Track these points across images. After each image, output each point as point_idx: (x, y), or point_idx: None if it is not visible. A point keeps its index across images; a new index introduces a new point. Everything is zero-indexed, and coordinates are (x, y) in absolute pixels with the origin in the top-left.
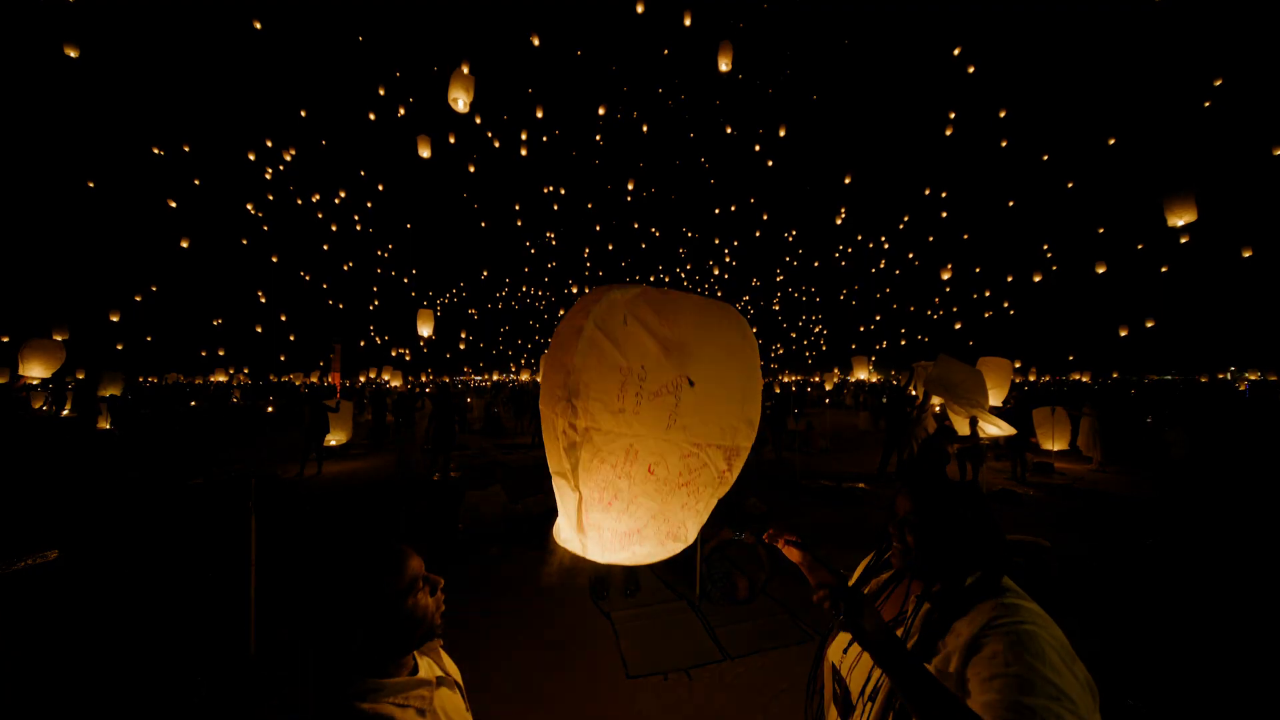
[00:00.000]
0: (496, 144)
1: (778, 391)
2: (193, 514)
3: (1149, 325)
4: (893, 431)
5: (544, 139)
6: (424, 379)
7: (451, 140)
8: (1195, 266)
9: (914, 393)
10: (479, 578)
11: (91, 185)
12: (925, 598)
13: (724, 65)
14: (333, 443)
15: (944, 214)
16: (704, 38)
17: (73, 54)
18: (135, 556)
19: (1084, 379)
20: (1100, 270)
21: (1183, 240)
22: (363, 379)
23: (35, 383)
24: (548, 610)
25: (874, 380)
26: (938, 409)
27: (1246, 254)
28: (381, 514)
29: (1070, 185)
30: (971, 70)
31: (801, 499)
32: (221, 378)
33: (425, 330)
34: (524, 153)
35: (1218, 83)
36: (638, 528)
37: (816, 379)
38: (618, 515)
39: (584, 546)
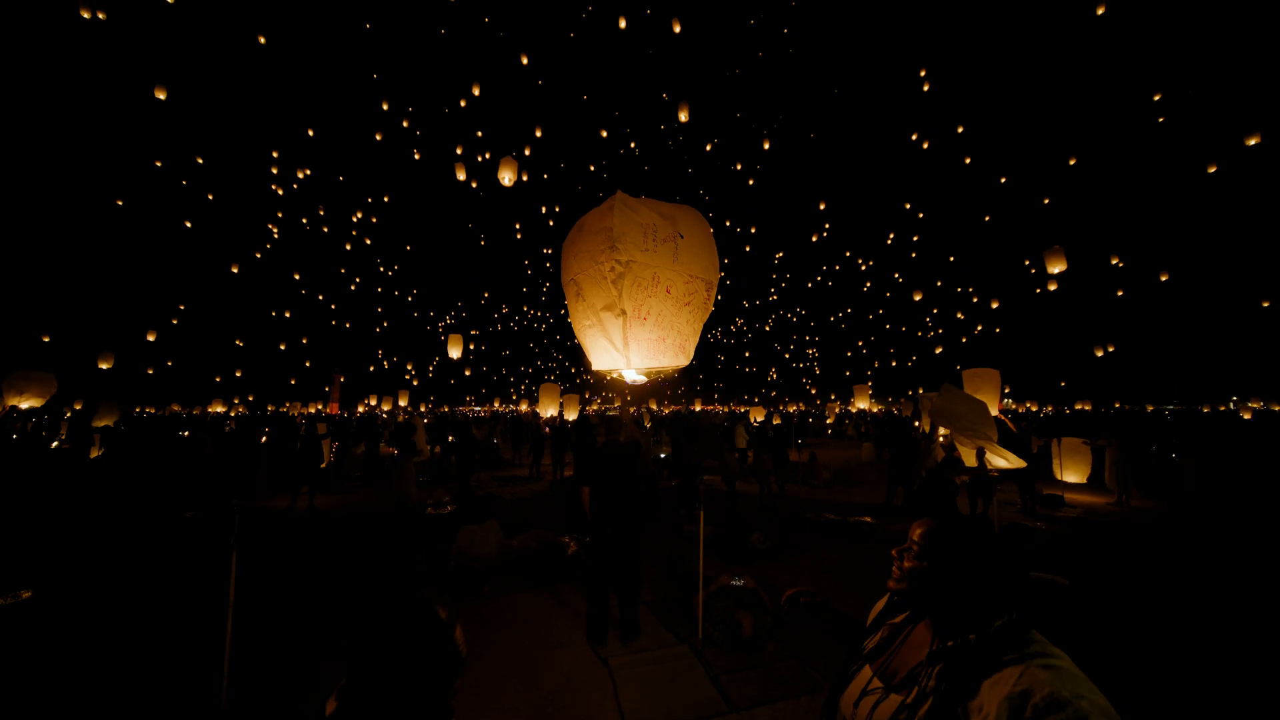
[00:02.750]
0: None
1: (778, 422)
2: (179, 549)
3: (1110, 349)
4: (897, 463)
5: (545, 176)
6: (423, 408)
7: (458, 148)
8: (1197, 296)
9: (918, 424)
10: (470, 618)
11: (96, 205)
12: (942, 655)
13: (683, 117)
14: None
15: (938, 239)
16: (704, 81)
17: (162, 95)
18: (114, 596)
19: (1085, 408)
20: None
21: (1053, 285)
22: (361, 408)
23: (27, 407)
24: (542, 655)
25: (875, 410)
26: (943, 439)
27: (1164, 277)
28: (372, 550)
29: (1048, 202)
30: (940, 89)
31: (807, 534)
32: (220, 408)
33: (455, 353)
34: (525, 177)
35: (1155, 97)
36: (662, 336)
37: (817, 402)
38: (650, 327)
39: (628, 359)
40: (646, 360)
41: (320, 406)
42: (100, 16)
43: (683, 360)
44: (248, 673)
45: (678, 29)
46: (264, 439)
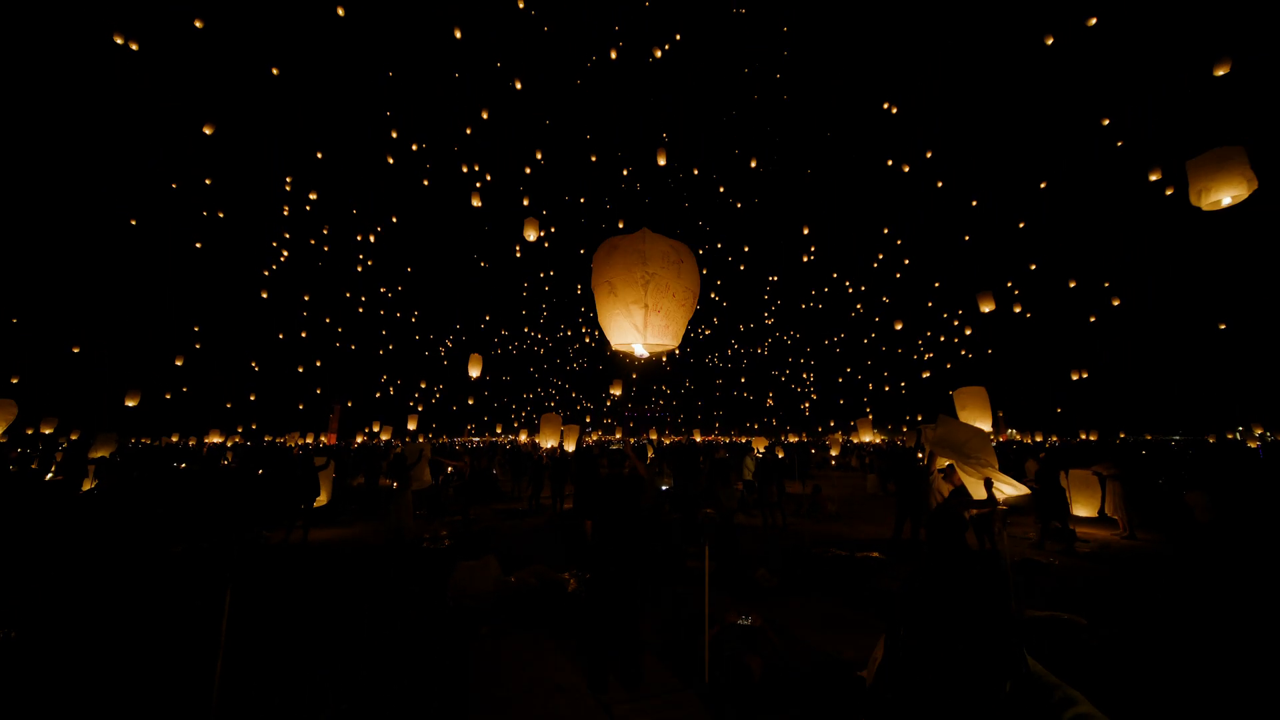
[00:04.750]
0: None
1: (781, 455)
2: (170, 586)
3: (1084, 375)
4: (904, 496)
5: (544, 212)
6: (421, 439)
7: (463, 167)
8: (1200, 323)
9: (921, 455)
10: (466, 661)
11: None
12: None
13: (660, 161)
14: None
15: (933, 266)
16: (702, 124)
17: (208, 131)
18: (101, 636)
19: (1092, 438)
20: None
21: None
22: (360, 438)
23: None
24: (542, 703)
25: (878, 441)
26: (941, 471)
27: (1115, 303)
28: (365, 586)
29: (1053, 229)
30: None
31: (813, 570)
32: (217, 438)
33: (474, 372)
34: (526, 202)
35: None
36: (667, 324)
37: (819, 429)
38: (661, 318)
39: (644, 338)
40: (655, 339)
41: (316, 438)
42: (133, 47)
43: (674, 342)
44: (236, 713)
45: (658, 54)
46: (260, 471)
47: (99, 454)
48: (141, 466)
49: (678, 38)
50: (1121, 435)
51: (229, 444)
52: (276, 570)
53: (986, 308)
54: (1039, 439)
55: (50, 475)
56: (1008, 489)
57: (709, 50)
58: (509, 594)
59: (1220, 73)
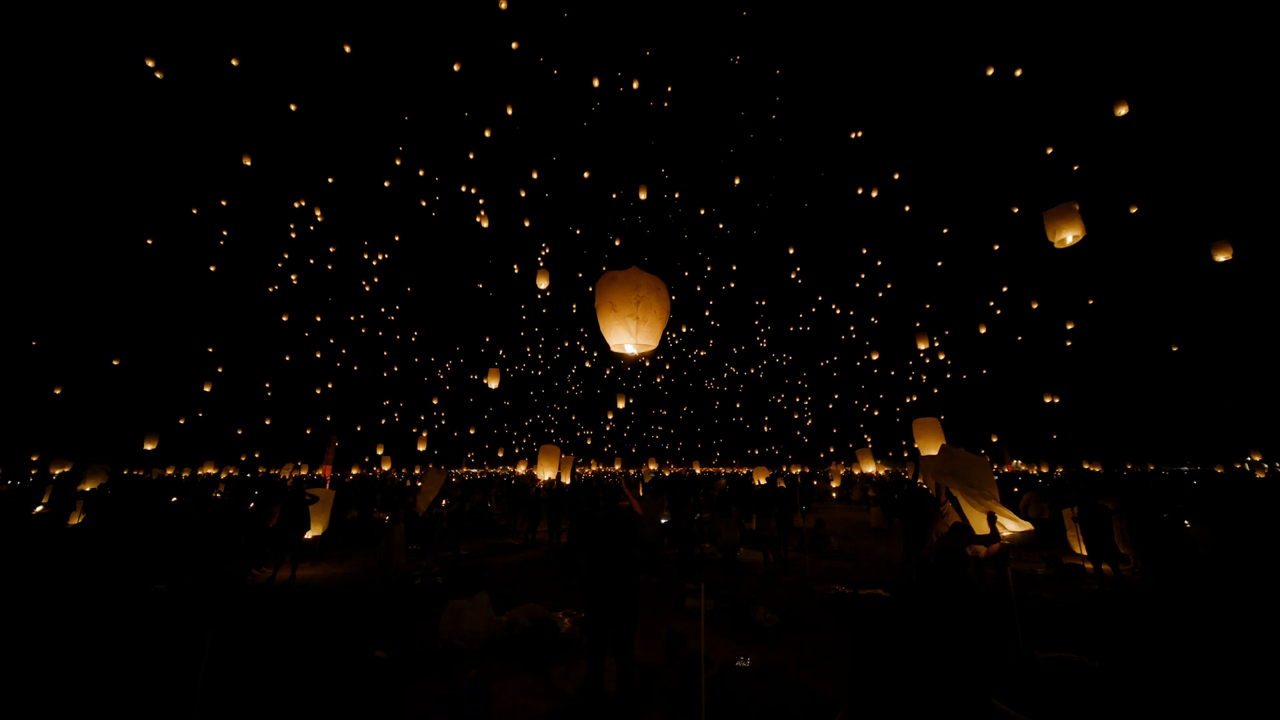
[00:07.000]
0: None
1: (782, 485)
2: (150, 625)
3: (1056, 400)
4: (910, 531)
5: (544, 246)
6: (417, 471)
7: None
8: (1205, 349)
9: (924, 485)
10: (454, 708)
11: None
12: None
13: (642, 195)
14: (308, 536)
15: (930, 295)
16: (701, 158)
17: (247, 162)
18: (72, 680)
19: (1095, 468)
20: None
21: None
22: (355, 470)
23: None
24: None
25: (881, 472)
26: (946, 504)
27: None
28: (350, 626)
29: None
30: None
31: (815, 608)
32: (211, 469)
33: (493, 384)
34: (527, 223)
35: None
36: (651, 331)
37: (820, 456)
38: (647, 325)
39: (635, 340)
40: (643, 341)
41: (311, 470)
42: (159, 75)
43: (654, 344)
44: None
45: (633, 83)
46: (251, 504)
47: (89, 486)
48: (131, 499)
49: (669, 89)
50: (1129, 466)
51: (222, 475)
52: (260, 610)
53: (924, 345)
54: (1045, 469)
55: (39, 509)
56: (1010, 524)
57: (707, 94)
58: (500, 634)
59: (1121, 112)
